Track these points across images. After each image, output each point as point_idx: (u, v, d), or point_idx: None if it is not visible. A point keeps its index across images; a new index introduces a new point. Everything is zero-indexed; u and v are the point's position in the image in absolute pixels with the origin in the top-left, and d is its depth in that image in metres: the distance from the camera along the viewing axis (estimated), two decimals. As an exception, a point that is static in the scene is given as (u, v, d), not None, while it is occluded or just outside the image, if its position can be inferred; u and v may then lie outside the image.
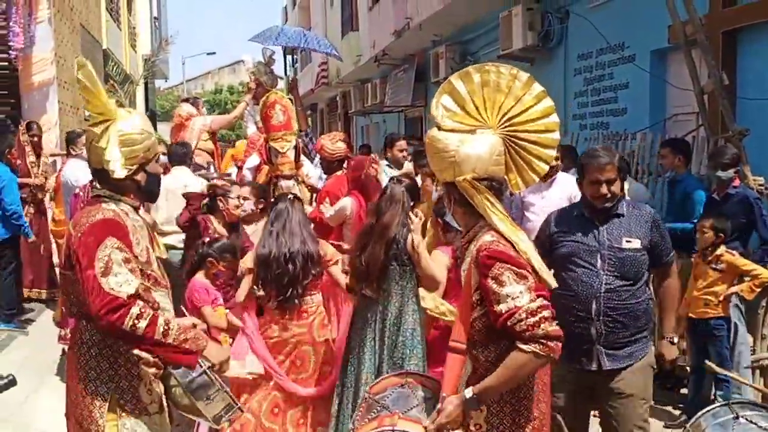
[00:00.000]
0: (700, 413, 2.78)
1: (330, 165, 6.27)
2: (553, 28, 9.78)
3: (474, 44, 12.70)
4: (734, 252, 4.71)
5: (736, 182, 5.20)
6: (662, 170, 6.25)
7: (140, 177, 2.63)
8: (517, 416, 2.41)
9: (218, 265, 4.23)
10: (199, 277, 4.22)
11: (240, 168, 7.39)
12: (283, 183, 6.16)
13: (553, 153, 2.52)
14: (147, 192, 2.72)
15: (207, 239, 4.42)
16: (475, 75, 2.45)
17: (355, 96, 20.63)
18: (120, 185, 2.60)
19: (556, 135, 2.49)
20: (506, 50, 10.16)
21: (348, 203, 5.16)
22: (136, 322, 2.36)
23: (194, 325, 2.76)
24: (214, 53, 76.37)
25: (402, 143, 7.05)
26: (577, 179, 3.39)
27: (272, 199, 6.19)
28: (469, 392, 2.31)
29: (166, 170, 5.81)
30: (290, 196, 4.24)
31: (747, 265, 4.65)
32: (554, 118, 2.48)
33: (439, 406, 2.38)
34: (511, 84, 2.44)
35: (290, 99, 8.06)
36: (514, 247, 2.35)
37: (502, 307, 2.25)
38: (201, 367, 2.60)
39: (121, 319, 2.35)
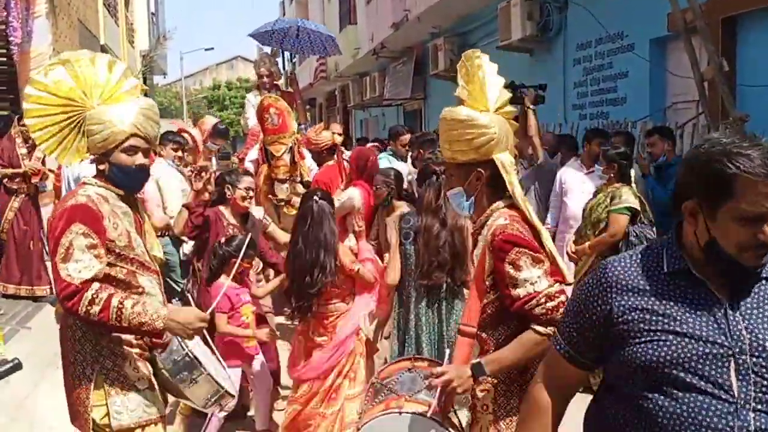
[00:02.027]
0: None
1: (320, 156, 6.29)
2: (552, 18, 9.75)
3: (473, 36, 12.67)
4: None
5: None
6: (652, 158, 6.18)
7: (103, 167, 2.65)
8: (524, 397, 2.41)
9: (243, 264, 4.02)
10: (223, 280, 4.01)
11: (241, 160, 7.39)
12: (277, 187, 6.16)
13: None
14: (113, 182, 2.66)
15: (222, 239, 4.21)
16: (474, 60, 2.55)
17: (353, 90, 20.58)
18: (98, 173, 2.67)
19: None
20: (505, 41, 10.13)
21: (356, 194, 5.13)
22: (89, 308, 2.42)
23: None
24: (212, 49, 75.97)
25: (406, 137, 7.07)
26: (689, 211, 1.65)
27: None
28: (476, 360, 2.33)
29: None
30: (317, 195, 3.98)
31: None
32: (510, 107, 2.60)
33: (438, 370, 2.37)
34: (487, 69, 2.54)
35: (290, 92, 8.08)
36: (530, 231, 2.37)
37: (520, 292, 2.27)
38: (184, 350, 2.61)
39: (75, 306, 2.42)
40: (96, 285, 2.43)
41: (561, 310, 2.24)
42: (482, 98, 2.48)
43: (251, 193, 4.63)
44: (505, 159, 2.44)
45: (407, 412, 2.39)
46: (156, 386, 2.70)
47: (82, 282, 2.41)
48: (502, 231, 2.32)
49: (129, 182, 2.69)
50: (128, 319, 2.43)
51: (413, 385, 2.56)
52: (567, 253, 5.27)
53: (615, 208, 5.00)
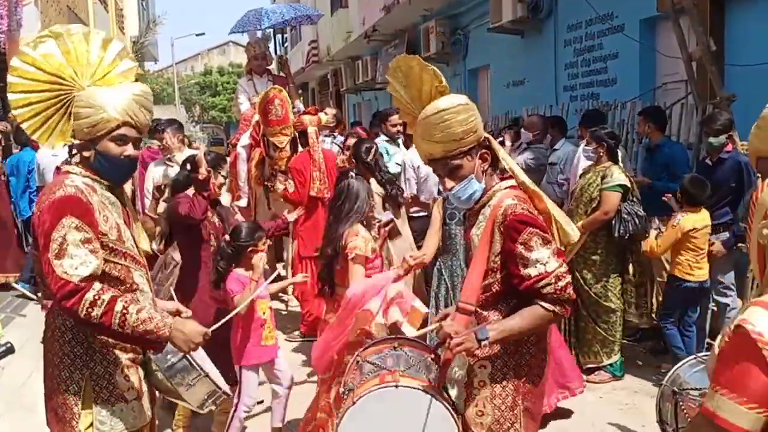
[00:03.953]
0: (675, 367, 2.87)
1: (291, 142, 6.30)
2: (543, 0, 9.75)
3: (464, 18, 12.64)
4: (677, 223, 4.88)
5: (729, 147, 5.23)
6: (638, 137, 6.25)
7: (88, 153, 2.42)
8: (520, 371, 2.46)
9: (260, 248, 3.94)
10: (239, 270, 3.91)
11: (234, 146, 7.40)
12: (280, 177, 6.19)
13: None
14: (97, 171, 2.43)
15: (226, 237, 3.99)
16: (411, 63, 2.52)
17: (346, 73, 20.48)
18: (82, 160, 2.45)
19: None
20: (496, 23, 10.12)
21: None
22: (90, 310, 2.22)
23: (178, 311, 2.68)
24: (203, 34, 75.64)
25: (395, 118, 7.04)
26: None
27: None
28: (479, 326, 2.33)
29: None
30: (352, 173, 3.89)
31: (661, 238, 5.01)
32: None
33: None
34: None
35: (281, 76, 8.07)
36: (535, 209, 2.42)
37: (531, 271, 2.31)
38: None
39: (74, 306, 2.22)
40: (98, 285, 2.24)
41: (568, 290, 2.33)
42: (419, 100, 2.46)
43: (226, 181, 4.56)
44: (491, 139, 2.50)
45: (404, 386, 2.43)
46: (145, 393, 2.55)
47: (81, 280, 2.22)
48: (513, 211, 2.35)
49: (115, 173, 2.47)
50: (132, 326, 2.25)
51: (399, 362, 2.61)
52: None
53: (607, 186, 5.05)
